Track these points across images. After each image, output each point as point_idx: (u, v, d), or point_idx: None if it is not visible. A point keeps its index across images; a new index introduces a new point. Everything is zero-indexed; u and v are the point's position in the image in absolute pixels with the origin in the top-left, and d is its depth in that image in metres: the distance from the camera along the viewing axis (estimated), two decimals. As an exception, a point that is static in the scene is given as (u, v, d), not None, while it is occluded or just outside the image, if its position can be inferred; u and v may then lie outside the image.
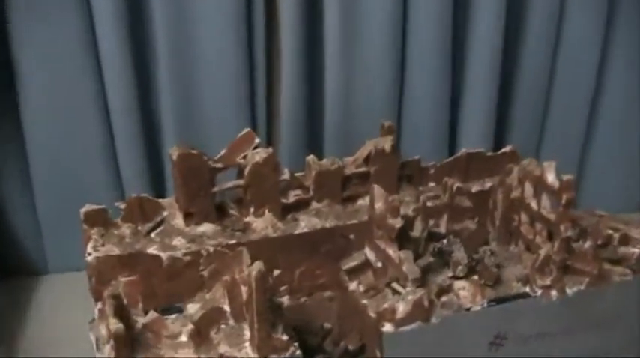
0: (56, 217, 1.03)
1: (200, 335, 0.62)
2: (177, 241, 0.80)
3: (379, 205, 0.73)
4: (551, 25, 1.08)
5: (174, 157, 0.79)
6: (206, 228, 0.82)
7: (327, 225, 0.85)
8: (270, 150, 0.83)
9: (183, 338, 0.62)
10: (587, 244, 0.75)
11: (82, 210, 0.81)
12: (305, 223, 0.85)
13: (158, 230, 0.83)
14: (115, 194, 1.03)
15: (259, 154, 0.82)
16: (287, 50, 1.02)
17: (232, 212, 0.86)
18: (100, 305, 0.80)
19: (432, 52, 1.05)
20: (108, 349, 0.60)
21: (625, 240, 0.78)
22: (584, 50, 1.08)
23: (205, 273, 0.72)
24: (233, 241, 0.80)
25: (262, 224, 0.84)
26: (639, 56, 1.11)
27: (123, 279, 0.66)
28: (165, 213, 0.85)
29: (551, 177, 0.73)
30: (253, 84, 1.04)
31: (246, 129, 0.86)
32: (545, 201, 0.74)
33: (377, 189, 0.73)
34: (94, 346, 0.63)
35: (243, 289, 0.64)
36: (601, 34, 1.09)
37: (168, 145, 1.02)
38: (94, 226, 0.82)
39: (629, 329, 0.79)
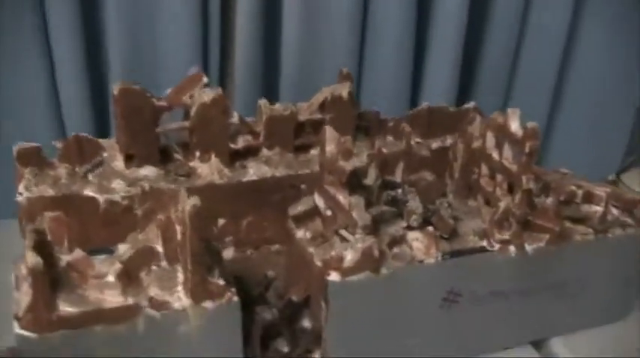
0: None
1: (129, 276, 0.57)
2: (116, 184, 0.76)
3: (330, 148, 0.68)
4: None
5: (116, 92, 0.73)
6: (148, 171, 0.78)
7: (277, 173, 0.81)
8: (219, 90, 0.77)
9: (111, 278, 0.56)
10: (550, 200, 0.71)
11: (15, 148, 0.76)
12: (254, 171, 0.81)
13: (96, 171, 0.78)
14: (56, 134, 0.96)
15: (207, 94, 0.77)
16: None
17: (177, 156, 0.81)
18: (28, 248, 0.75)
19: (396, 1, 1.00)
20: (25, 287, 0.55)
21: (588, 198, 0.75)
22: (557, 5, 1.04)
23: (139, 212, 0.67)
24: (174, 186, 0.75)
25: (208, 170, 0.79)
26: (611, 17, 1.07)
27: (49, 214, 0.60)
28: (105, 154, 0.80)
29: (514, 125, 0.68)
30: (207, 23, 0.98)
31: (194, 69, 0.80)
32: (508, 151, 0.70)
33: (329, 131, 0.68)
34: (13, 285, 0.58)
35: (179, 229, 0.59)
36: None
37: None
38: (27, 165, 0.76)
39: (589, 294, 0.76)
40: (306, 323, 0.67)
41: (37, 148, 0.76)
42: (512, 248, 0.69)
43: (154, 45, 0.97)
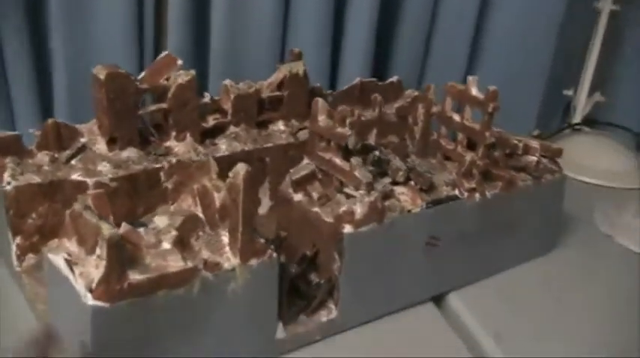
0: None
1: (183, 242, 0.61)
2: (103, 167, 0.78)
3: (322, 118, 0.76)
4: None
5: (102, 77, 0.75)
6: (130, 152, 0.81)
7: (246, 148, 0.86)
8: (193, 72, 0.82)
9: (166, 245, 0.60)
10: (499, 152, 0.83)
11: (-6, 137, 0.75)
12: (225, 147, 0.85)
13: (78, 157, 0.79)
14: (5, 116, 0.97)
15: (182, 77, 0.81)
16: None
17: (152, 138, 0.84)
18: (18, 239, 0.76)
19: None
20: (88, 263, 0.57)
21: (527, 150, 0.88)
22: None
23: (169, 185, 0.70)
24: (160, 165, 0.79)
25: (184, 148, 0.83)
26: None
27: (91, 192, 0.63)
28: (83, 140, 0.81)
29: (475, 90, 0.80)
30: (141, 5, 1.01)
31: (165, 52, 0.84)
32: (468, 113, 0.81)
33: (320, 103, 0.76)
34: (63, 268, 0.59)
35: (216, 196, 0.64)
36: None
37: (57, 66, 0.98)
38: (7, 155, 0.76)
39: (527, 232, 0.89)
40: (316, 278, 0.73)
41: (17, 136, 0.77)
42: (477, 195, 0.80)
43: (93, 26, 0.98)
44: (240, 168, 0.60)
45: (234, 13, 1.04)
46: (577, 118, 1.33)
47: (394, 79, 1.03)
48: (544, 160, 0.90)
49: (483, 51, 1.23)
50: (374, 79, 1.02)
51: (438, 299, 0.85)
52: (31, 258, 0.77)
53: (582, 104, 1.31)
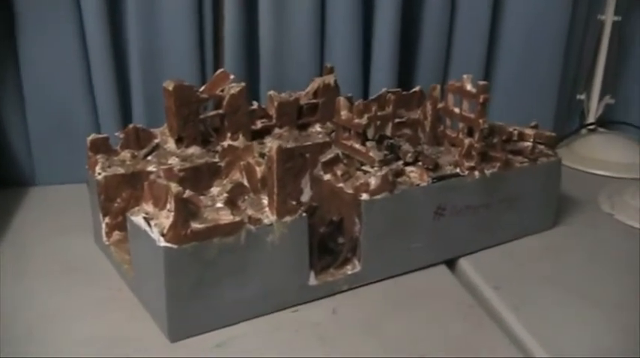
0: (44, 136, 1.21)
1: (232, 203, 0.80)
2: (172, 161, 0.96)
3: (344, 112, 0.94)
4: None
5: (171, 88, 0.95)
6: (194, 149, 0.99)
7: (289, 146, 1.04)
8: (243, 84, 1.01)
9: (220, 204, 0.80)
10: (497, 138, 1.00)
11: (89, 139, 0.96)
12: (272, 145, 1.04)
13: (153, 154, 0.99)
14: (91, 118, 1.21)
15: (234, 88, 1.00)
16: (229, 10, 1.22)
17: (211, 138, 1.03)
18: (107, 219, 0.96)
19: (345, 19, 1.27)
20: (160, 216, 0.77)
21: (521, 137, 1.04)
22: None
23: (222, 164, 0.90)
24: (217, 160, 0.98)
25: (241, 145, 1.02)
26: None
27: (164, 167, 0.83)
28: (156, 140, 1.01)
29: (469, 86, 0.97)
30: (202, 32, 1.23)
31: (221, 69, 1.04)
32: (465, 105, 0.98)
33: (342, 100, 0.94)
34: (143, 224, 0.79)
35: (258, 169, 0.83)
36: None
37: (135, 82, 1.22)
38: (97, 153, 0.97)
39: (528, 204, 1.05)
40: (342, 239, 0.91)
41: (106, 138, 0.97)
42: (476, 173, 0.97)
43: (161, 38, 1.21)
44: (275, 145, 0.79)
45: (279, 36, 1.26)
46: (590, 119, 1.48)
47: (417, 88, 1.21)
48: (540, 146, 1.05)
49: (497, 61, 1.40)
50: (399, 89, 1.20)
51: (450, 264, 1.00)
52: (117, 235, 0.97)
53: (594, 106, 1.46)
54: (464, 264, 1.00)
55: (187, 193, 0.79)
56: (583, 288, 0.93)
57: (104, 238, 0.96)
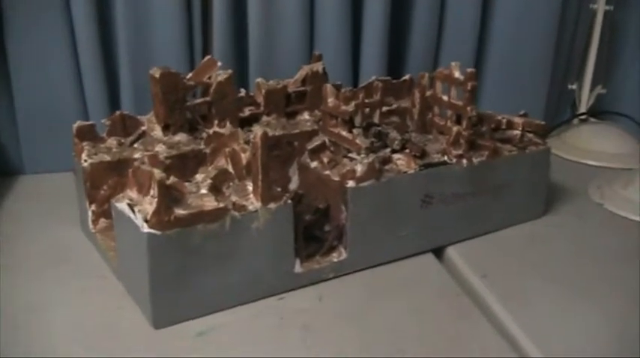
0: (33, 125, 1.21)
1: (216, 189, 0.79)
2: (159, 148, 0.96)
3: (331, 99, 0.94)
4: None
5: (157, 75, 0.95)
6: (181, 137, 0.98)
7: (277, 133, 1.04)
8: (230, 71, 1.01)
9: (204, 191, 0.79)
10: (485, 127, 0.99)
11: (75, 126, 0.96)
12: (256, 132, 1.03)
13: (140, 141, 0.99)
14: (80, 107, 1.21)
15: (222, 75, 1.00)
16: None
17: (199, 126, 1.03)
18: (93, 207, 0.96)
19: (334, 6, 1.27)
20: (144, 202, 0.76)
21: (510, 125, 1.03)
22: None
23: (208, 151, 0.89)
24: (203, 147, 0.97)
25: (227, 132, 1.01)
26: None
27: (148, 153, 0.82)
28: (143, 127, 1.00)
29: (457, 73, 0.96)
30: (191, 20, 1.24)
31: (208, 56, 1.03)
32: (454, 92, 0.98)
33: (329, 87, 0.94)
34: (128, 211, 0.78)
35: (243, 156, 0.83)
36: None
37: (123, 70, 1.22)
38: (84, 140, 0.96)
39: (516, 192, 1.04)
40: (328, 227, 0.91)
41: (92, 125, 0.97)
42: (464, 161, 0.96)
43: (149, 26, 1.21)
44: (259, 131, 0.78)
45: (268, 24, 1.25)
46: (582, 109, 1.47)
47: (407, 76, 1.20)
48: (529, 135, 1.05)
49: (488, 51, 1.40)
50: (388, 78, 1.20)
51: (438, 252, 1.00)
52: (103, 222, 0.97)
53: (586, 96, 1.45)
54: (451, 252, 0.99)
55: (171, 179, 0.79)
56: (570, 278, 0.93)
57: (90, 226, 0.96)
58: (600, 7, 1.40)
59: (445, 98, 0.99)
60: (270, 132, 1.02)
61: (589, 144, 1.38)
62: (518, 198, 1.05)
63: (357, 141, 0.90)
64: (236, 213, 0.79)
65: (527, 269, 0.94)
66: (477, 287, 0.91)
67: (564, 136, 1.44)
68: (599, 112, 1.51)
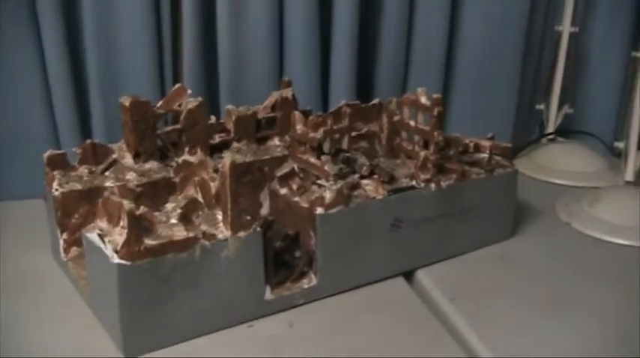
0: (3, 152, 1.22)
1: (186, 218, 0.80)
2: (130, 176, 0.96)
3: (299, 126, 0.95)
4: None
5: (127, 104, 0.95)
6: (151, 164, 0.99)
7: (247, 159, 1.05)
8: (200, 99, 1.02)
9: (173, 221, 0.80)
10: (453, 150, 1.01)
11: (45, 154, 0.96)
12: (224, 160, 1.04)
13: (111, 169, 0.99)
14: (51, 135, 1.21)
15: (192, 103, 1.01)
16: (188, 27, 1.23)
17: (169, 153, 1.04)
18: (65, 235, 0.96)
19: (303, 32, 1.29)
20: (114, 233, 0.77)
21: (477, 148, 1.05)
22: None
23: (177, 180, 0.90)
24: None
25: (196, 161, 1.02)
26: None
27: (118, 184, 0.83)
28: (114, 156, 1.01)
29: (424, 99, 0.98)
30: (161, 48, 1.25)
31: (178, 84, 1.04)
32: (421, 117, 1.00)
33: (297, 115, 0.95)
34: (98, 241, 0.79)
35: (212, 185, 0.84)
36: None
37: (93, 98, 1.23)
38: (55, 168, 0.96)
39: (485, 214, 1.06)
40: (298, 253, 0.92)
41: (63, 154, 0.97)
42: (432, 185, 0.98)
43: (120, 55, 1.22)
44: (228, 160, 0.79)
45: (238, 51, 1.26)
46: (550, 129, 1.50)
47: (376, 101, 1.22)
48: (497, 158, 1.07)
49: (456, 73, 1.42)
50: (357, 102, 1.21)
51: (408, 276, 1.01)
52: (75, 251, 0.97)
53: (553, 116, 1.48)
54: (421, 275, 1.01)
55: (141, 209, 0.79)
56: (539, 298, 0.94)
57: (62, 254, 0.96)
58: (565, 29, 1.43)
59: (412, 123, 1.01)
60: (241, 159, 1.03)
61: (557, 163, 1.40)
62: (486, 220, 1.06)
63: (326, 167, 0.91)
64: (206, 242, 0.80)
65: (496, 291, 0.96)
66: (446, 309, 0.92)
67: (533, 155, 1.47)
68: (566, 132, 1.53)
